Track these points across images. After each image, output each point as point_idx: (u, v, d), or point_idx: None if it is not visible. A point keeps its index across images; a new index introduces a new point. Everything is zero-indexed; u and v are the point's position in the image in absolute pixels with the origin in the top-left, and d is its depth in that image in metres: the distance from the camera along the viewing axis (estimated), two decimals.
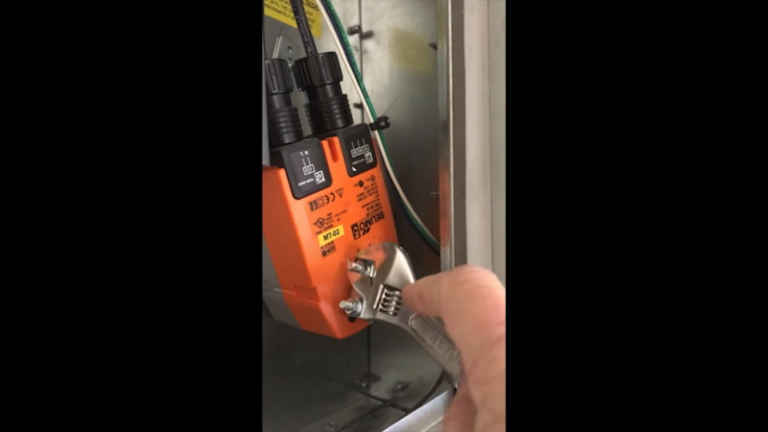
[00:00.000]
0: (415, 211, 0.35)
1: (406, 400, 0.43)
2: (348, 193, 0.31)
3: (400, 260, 0.29)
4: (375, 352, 0.45)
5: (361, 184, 0.32)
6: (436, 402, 0.34)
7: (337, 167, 0.31)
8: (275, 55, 0.36)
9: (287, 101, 0.30)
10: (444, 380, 0.36)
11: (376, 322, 0.30)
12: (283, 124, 0.29)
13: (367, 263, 0.31)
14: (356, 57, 0.43)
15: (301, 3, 0.31)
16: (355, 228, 0.32)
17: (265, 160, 0.28)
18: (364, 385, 0.45)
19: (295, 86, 0.32)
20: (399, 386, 0.44)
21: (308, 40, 0.31)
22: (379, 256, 0.30)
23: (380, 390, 0.45)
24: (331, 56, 0.32)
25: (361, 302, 0.30)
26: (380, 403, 0.44)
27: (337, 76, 0.32)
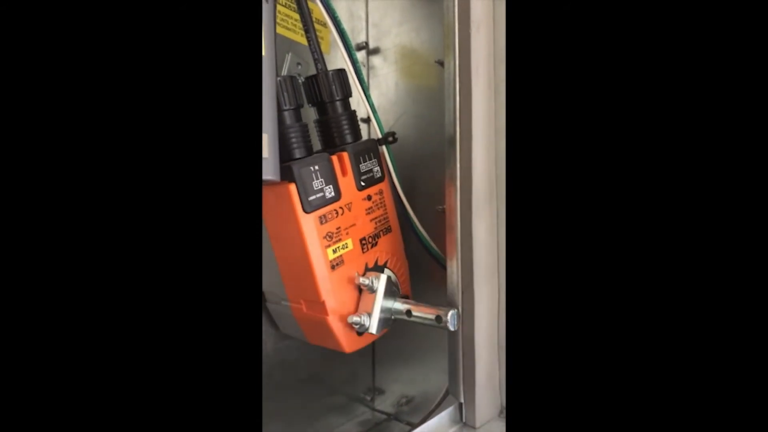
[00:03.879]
0: (422, 225, 0.36)
1: (410, 414, 0.43)
2: (357, 207, 0.32)
3: None
4: (380, 366, 0.45)
5: (369, 198, 0.33)
6: (442, 417, 0.34)
7: (346, 182, 0.31)
8: (284, 71, 0.37)
9: (298, 117, 0.30)
10: (449, 394, 0.36)
11: None
12: (293, 140, 0.30)
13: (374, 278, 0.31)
14: (363, 72, 0.43)
15: (312, 21, 0.32)
16: (364, 242, 0.32)
17: (276, 175, 0.28)
18: (368, 398, 0.45)
19: (305, 102, 0.33)
20: (404, 400, 0.44)
21: (318, 57, 0.32)
22: None
23: (385, 404, 0.45)
24: (341, 73, 0.32)
25: (369, 316, 0.31)
26: (384, 416, 0.44)
27: (347, 93, 0.33)
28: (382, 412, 0.44)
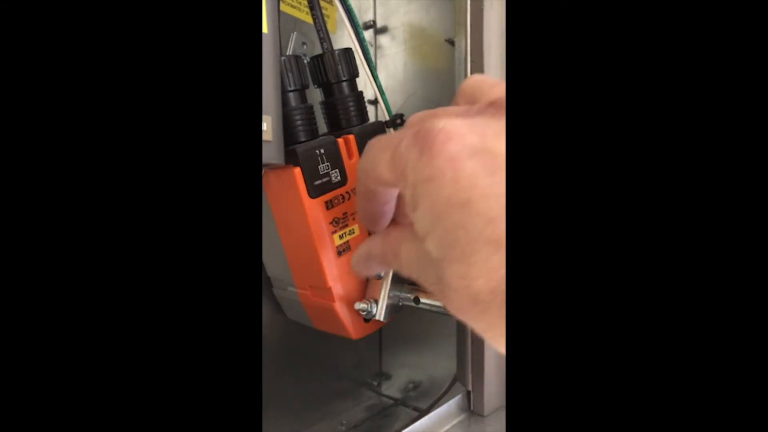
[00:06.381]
0: None
1: (417, 399, 0.42)
2: None
3: None
4: (387, 351, 0.45)
5: None
6: (450, 405, 0.33)
7: (353, 165, 0.30)
8: (290, 51, 0.35)
9: (303, 98, 0.30)
10: (457, 381, 0.36)
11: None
12: (298, 122, 0.29)
13: None
14: (371, 52, 0.42)
15: None
16: None
17: (280, 159, 0.27)
18: (375, 383, 0.45)
19: (310, 83, 0.32)
20: (410, 385, 0.44)
21: (324, 36, 0.31)
22: None
23: (392, 389, 0.45)
24: (347, 52, 0.31)
25: (376, 303, 0.30)
26: (391, 402, 0.43)
27: (353, 73, 0.32)
28: (389, 397, 0.44)
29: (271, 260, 0.33)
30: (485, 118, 0.19)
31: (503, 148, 0.17)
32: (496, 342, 0.18)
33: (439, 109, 0.22)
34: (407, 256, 0.22)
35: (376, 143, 0.22)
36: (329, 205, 0.29)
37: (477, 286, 0.17)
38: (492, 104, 0.20)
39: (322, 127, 0.32)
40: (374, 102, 0.40)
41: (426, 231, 0.19)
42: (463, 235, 0.17)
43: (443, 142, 0.18)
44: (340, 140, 0.30)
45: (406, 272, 0.22)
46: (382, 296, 0.30)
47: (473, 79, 0.23)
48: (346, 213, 0.30)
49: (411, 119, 0.23)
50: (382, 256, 0.24)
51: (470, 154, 0.18)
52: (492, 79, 0.23)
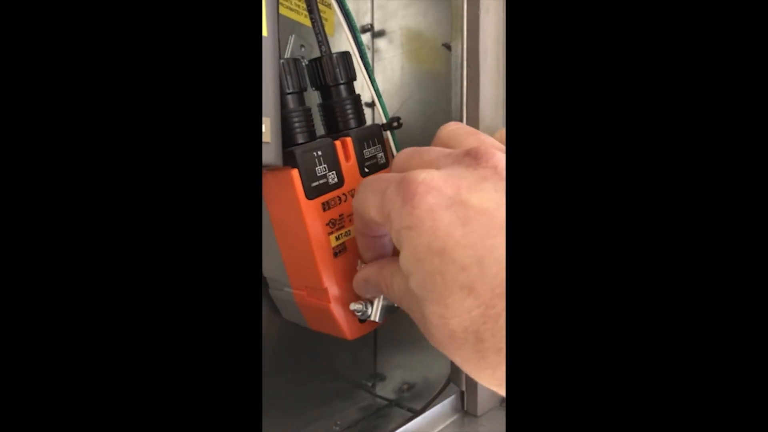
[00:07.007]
0: None
1: (411, 400, 0.43)
2: None
3: None
4: (381, 352, 0.45)
5: None
6: (444, 405, 0.34)
7: (350, 167, 0.31)
8: (288, 54, 0.36)
9: (301, 101, 0.30)
10: (451, 382, 0.36)
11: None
12: (296, 124, 0.29)
13: None
14: (368, 56, 0.43)
15: (316, 1, 0.31)
16: None
17: (278, 160, 0.28)
18: (370, 384, 0.45)
19: (308, 86, 0.32)
20: (405, 386, 0.44)
21: (323, 39, 0.31)
22: None
23: (386, 390, 0.45)
24: (345, 56, 0.32)
25: (371, 304, 0.30)
26: (386, 402, 0.44)
27: (351, 76, 0.32)
28: (384, 398, 0.44)
29: (267, 261, 0.33)
30: (461, 168, 0.20)
31: (475, 201, 0.19)
32: (472, 374, 0.20)
33: (424, 149, 0.24)
34: (398, 289, 0.23)
35: (368, 184, 0.24)
36: (326, 207, 0.29)
37: (452, 324, 0.18)
38: (468, 153, 0.21)
39: (320, 129, 0.33)
40: (371, 105, 0.40)
41: (409, 272, 0.20)
42: (440, 279, 0.19)
43: (423, 195, 0.19)
44: (338, 142, 0.30)
45: (398, 303, 0.24)
46: (377, 297, 0.30)
47: (450, 128, 0.25)
48: (342, 214, 0.30)
49: (398, 157, 0.25)
50: (376, 284, 0.26)
51: (447, 205, 0.19)
52: (468, 128, 0.25)
